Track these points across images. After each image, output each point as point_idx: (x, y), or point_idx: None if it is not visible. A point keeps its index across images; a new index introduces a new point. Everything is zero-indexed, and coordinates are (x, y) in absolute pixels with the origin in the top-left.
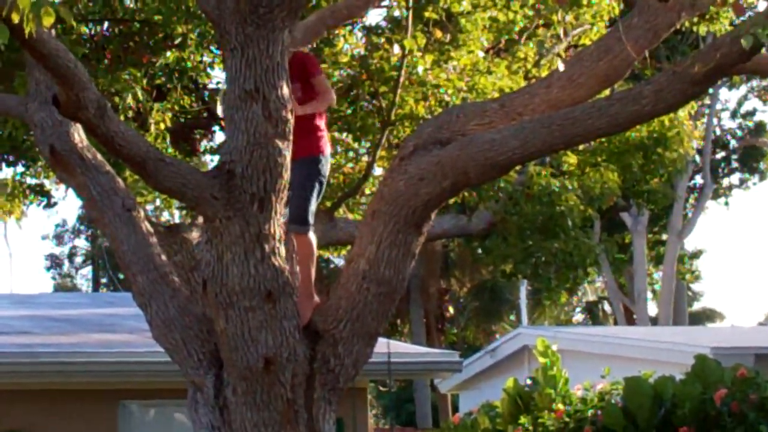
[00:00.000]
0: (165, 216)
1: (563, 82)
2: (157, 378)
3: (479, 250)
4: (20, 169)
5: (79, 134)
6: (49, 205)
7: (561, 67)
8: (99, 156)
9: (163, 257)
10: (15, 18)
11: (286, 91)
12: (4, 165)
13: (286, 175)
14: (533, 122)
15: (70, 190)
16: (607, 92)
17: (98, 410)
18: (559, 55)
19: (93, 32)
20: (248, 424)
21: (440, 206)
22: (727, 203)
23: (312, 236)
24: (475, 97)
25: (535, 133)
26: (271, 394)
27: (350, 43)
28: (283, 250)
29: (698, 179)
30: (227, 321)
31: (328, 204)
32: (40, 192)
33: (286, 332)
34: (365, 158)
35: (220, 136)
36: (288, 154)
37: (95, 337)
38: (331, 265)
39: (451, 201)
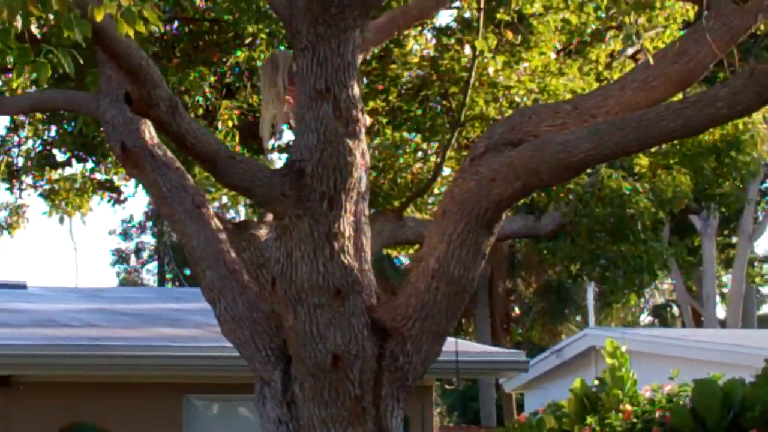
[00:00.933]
0: (231, 214)
1: (637, 84)
2: (221, 373)
3: (546, 251)
4: (90, 165)
5: (149, 131)
6: (119, 201)
7: (651, 60)
8: (169, 153)
9: (232, 253)
10: (99, 17)
11: (356, 90)
12: (74, 161)
13: (356, 173)
14: (607, 124)
15: (140, 187)
16: (681, 95)
17: (163, 404)
18: (633, 56)
19: (163, 31)
20: (316, 420)
21: (511, 207)
22: None
23: None
24: (546, 99)
25: (608, 135)
26: (339, 390)
27: (420, 43)
28: (352, 249)
29: None
30: (296, 317)
31: (396, 204)
32: (110, 188)
33: (355, 329)
34: (433, 158)
35: (287, 135)
36: (358, 153)
37: (162, 331)
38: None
39: (521, 202)
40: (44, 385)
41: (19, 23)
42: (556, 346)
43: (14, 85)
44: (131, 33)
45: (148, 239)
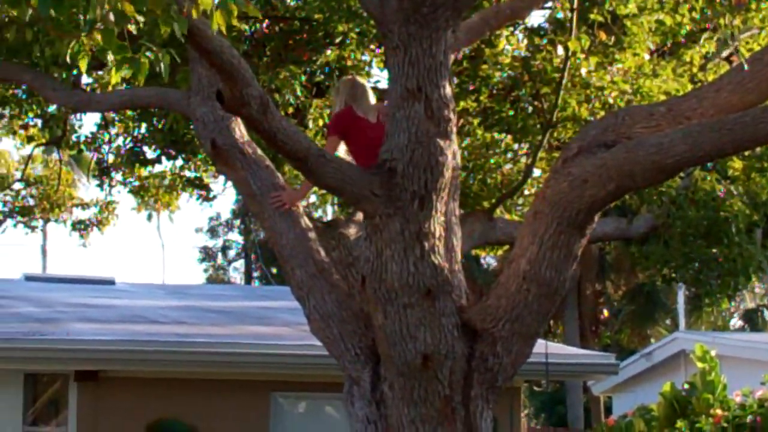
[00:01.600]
0: (319, 213)
1: (733, 86)
2: (308, 371)
3: (638, 254)
4: (179, 162)
5: (240, 129)
6: (207, 198)
7: (745, 66)
8: (259, 151)
9: (322, 252)
10: (195, 14)
11: (448, 90)
12: (164, 158)
13: (447, 173)
14: (702, 126)
15: (230, 185)
16: None
17: (250, 401)
18: (727, 58)
19: (253, 30)
20: (405, 420)
21: (604, 209)
22: None
23: None
24: (639, 101)
25: (703, 137)
26: (428, 390)
27: (512, 44)
28: (442, 249)
29: None
30: (386, 317)
31: (486, 204)
32: (199, 185)
33: (445, 329)
34: (524, 159)
35: None
36: (449, 153)
37: (249, 328)
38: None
39: (612, 204)
40: (131, 381)
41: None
42: (646, 349)
43: (112, 81)
44: (223, 28)
45: (235, 237)
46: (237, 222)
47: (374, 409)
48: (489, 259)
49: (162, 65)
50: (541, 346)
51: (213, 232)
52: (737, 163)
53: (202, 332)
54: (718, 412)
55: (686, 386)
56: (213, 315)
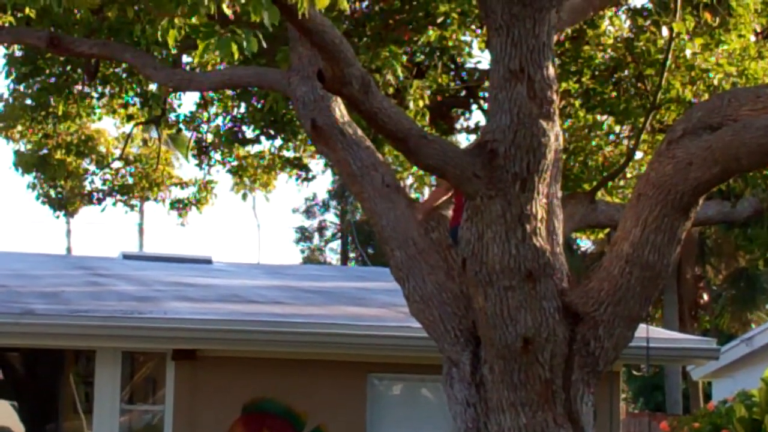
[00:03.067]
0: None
1: None
2: (407, 353)
3: (742, 238)
4: (278, 142)
5: (340, 109)
6: (306, 179)
7: None
8: (359, 131)
9: (422, 233)
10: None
11: (551, 71)
12: (263, 138)
13: (550, 155)
14: None
15: (328, 165)
16: None
17: (347, 382)
18: None
19: (354, 9)
20: (505, 402)
21: (708, 192)
22: None
23: None
24: (744, 83)
25: None
26: (529, 373)
27: (615, 25)
28: (544, 231)
29: None
30: (486, 299)
31: (587, 186)
32: (298, 165)
33: (546, 313)
34: (626, 141)
35: (477, 115)
36: (552, 135)
37: (347, 309)
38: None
39: (715, 188)
40: (228, 360)
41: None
42: (746, 335)
43: (195, 59)
44: (325, 3)
45: (332, 218)
46: (333, 202)
47: (474, 392)
48: (582, 243)
49: (249, 47)
50: (641, 330)
51: (309, 212)
52: None
53: (300, 312)
54: None
55: None
56: (310, 295)
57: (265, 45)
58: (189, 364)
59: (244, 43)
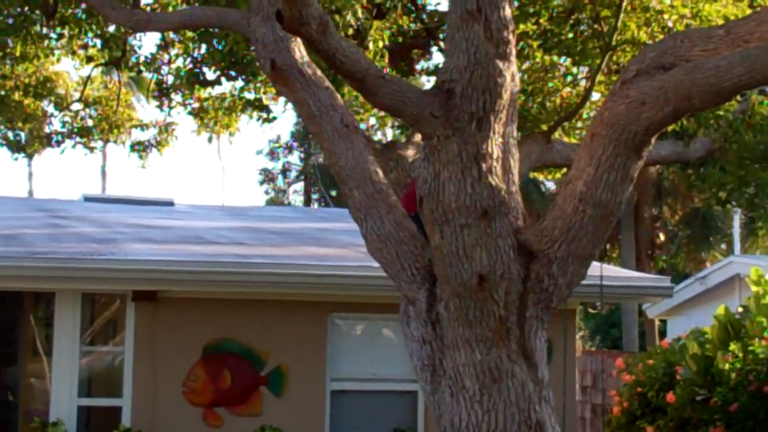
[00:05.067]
0: (378, 135)
1: None
2: (366, 292)
3: (695, 178)
4: (239, 83)
5: (299, 50)
6: (267, 120)
7: None
8: (319, 72)
9: (380, 173)
10: None
11: (508, 12)
12: (223, 79)
13: (506, 95)
14: (760, 49)
15: (289, 106)
16: None
17: (308, 322)
18: None
19: None
20: (460, 340)
21: (661, 131)
22: None
23: None
24: (698, 24)
25: (761, 60)
26: (483, 310)
27: None
28: (499, 170)
29: None
30: (442, 237)
31: (545, 127)
32: (259, 107)
33: (501, 250)
34: (583, 83)
35: (437, 57)
36: (508, 75)
37: (308, 250)
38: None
39: (669, 128)
40: (189, 302)
41: None
42: (701, 273)
43: (171, 2)
44: None
45: (295, 160)
46: (297, 145)
47: (430, 329)
48: (549, 184)
49: None
50: (596, 268)
51: (273, 154)
52: None
53: (261, 253)
54: None
55: (740, 309)
56: (272, 236)
57: None
58: (149, 305)
59: None
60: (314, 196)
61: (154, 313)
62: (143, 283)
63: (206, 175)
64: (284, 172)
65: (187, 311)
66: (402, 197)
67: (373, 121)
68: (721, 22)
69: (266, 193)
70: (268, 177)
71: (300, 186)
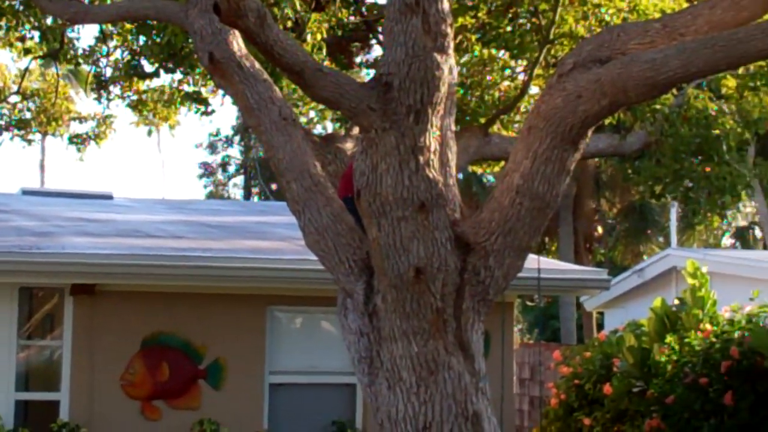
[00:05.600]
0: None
1: (727, 3)
2: (305, 285)
3: (631, 171)
4: (178, 76)
5: (237, 42)
6: (206, 113)
7: None
8: (257, 65)
9: (318, 166)
10: None
11: (446, 5)
12: (162, 72)
13: (444, 88)
14: (695, 43)
15: (227, 99)
16: None
17: (246, 315)
18: None
19: None
20: (397, 331)
21: (597, 124)
22: None
23: None
24: (635, 18)
25: (697, 54)
26: (420, 302)
27: None
28: (437, 163)
29: None
30: (379, 230)
31: (482, 120)
32: (197, 99)
33: (438, 243)
34: (521, 76)
35: (376, 50)
36: (446, 68)
37: (247, 243)
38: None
39: (606, 121)
40: (128, 295)
41: None
42: (638, 266)
43: None
44: None
45: (235, 153)
46: (237, 138)
47: (367, 321)
48: (491, 178)
49: None
50: (533, 261)
51: (213, 148)
52: (730, 82)
53: (200, 246)
54: (707, 327)
55: (676, 302)
56: (211, 230)
57: None
58: (88, 298)
59: None
60: (254, 190)
61: (93, 306)
62: (81, 276)
63: (146, 168)
64: (224, 165)
65: (126, 305)
66: (340, 179)
67: (313, 114)
68: (658, 15)
69: (206, 186)
70: (207, 170)
71: (240, 179)
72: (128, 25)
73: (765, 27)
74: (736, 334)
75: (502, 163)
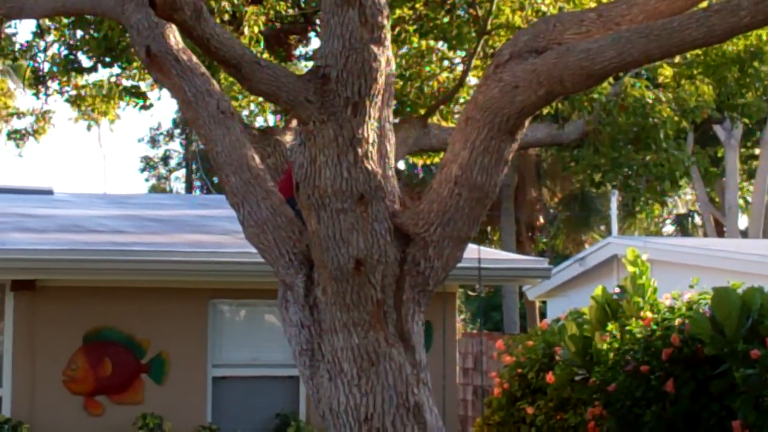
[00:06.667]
0: (260, 121)
1: None
2: (246, 278)
3: (570, 159)
4: (116, 70)
5: (174, 36)
6: (145, 107)
7: None
8: (194, 58)
9: (257, 158)
10: None
11: None
12: (100, 66)
13: (381, 80)
14: (630, 32)
15: (165, 92)
16: (705, 4)
17: (188, 309)
18: None
19: None
20: (338, 323)
21: (534, 114)
22: None
23: None
24: (572, 8)
25: (632, 43)
26: (360, 294)
27: None
28: (375, 155)
29: None
30: (319, 222)
31: (422, 111)
32: (136, 94)
33: (377, 234)
34: (460, 67)
35: (315, 42)
36: (383, 60)
37: (188, 237)
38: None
39: (545, 110)
40: (69, 290)
41: None
42: (579, 254)
43: None
44: None
45: (176, 147)
46: (178, 131)
47: (308, 314)
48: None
49: None
50: (474, 251)
51: (154, 141)
52: (667, 70)
53: (141, 240)
54: (648, 315)
55: (617, 290)
56: (152, 224)
57: None
58: (28, 294)
59: None
60: (196, 183)
61: (33, 302)
62: (22, 272)
63: (87, 163)
64: (165, 159)
65: (67, 300)
66: (279, 181)
67: (252, 107)
68: (594, 5)
69: (147, 180)
70: (149, 164)
71: (182, 173)
72: (65, 20)
73: (699, 16)
74: (677, 322)
75: (441, 154)
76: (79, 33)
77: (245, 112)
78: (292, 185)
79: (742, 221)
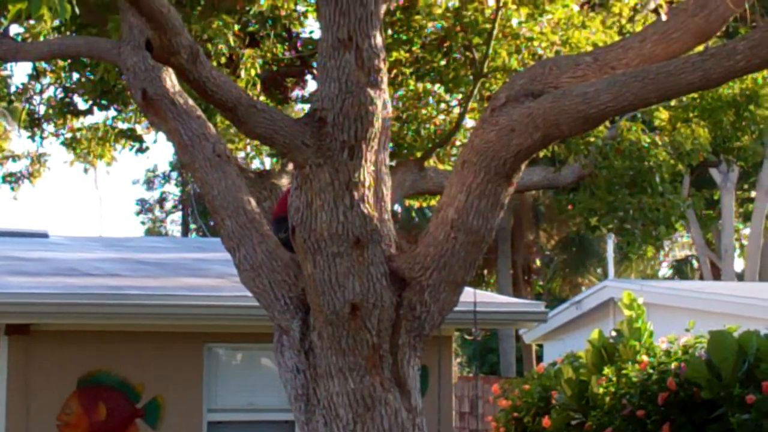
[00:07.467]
0: (255, 164)
1: (657, 36)
2: (242, 322)
3: (566, 203)
4: (112, 113)
5: (171, 79)
6: (141, 150)
7: (663, 17)
8: (190, 101)
9: (253, 202)
10: None
11: (379, 40)
12: (96, 109)
13: (377, 123)
14: (626, 76)
15: (161, 135)
16: (701, 48)
17: (184, 353)
18: (655, 10)
19: None
20: (333, 368)
21: (530, 158)
22: None
23: None
24: (568, 51)
25: (627, 87)
26: (356, 339)
27: None
28: (372, 198)
29: None
30: (315, 266)
31: (418, 154)
32: (132, 137)
33: (373, 278)
34: (456, 110)
35: (311, 85)
36: (380, 103)
37: (184, 280)
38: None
39: (541, 154)
40: (64, 334)
41: None
42: (576, 298)
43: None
44: None
45: (172, 189)
46: (174, 174)
47: (303, 359)
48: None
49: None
50: (470, 294)
51: (150, 184)
52: (663, 114)
53: (136, 284)
54: (644, 358)
55: (613, 333)
56: (147, 267)
57: (78, 11)
58: (22, 338)
59: (58, 8)
60: (192, 226)
61: (28, 346)
62: (16, 317)
63: (83, 206)
64: (161, 201)
65: (61, 344)
66: (275, 205)
67: (249, 149)
68: (590, 49)
69: (143, 223)
70: (145, 207)
71: (178, 215)
72: (62, 62)
73: (695, 60)
74: (673, 366)
75: (438, 197)
76: (75, 75)
77: (241, 155)
78: (286, 206)
79: (739, 264)
